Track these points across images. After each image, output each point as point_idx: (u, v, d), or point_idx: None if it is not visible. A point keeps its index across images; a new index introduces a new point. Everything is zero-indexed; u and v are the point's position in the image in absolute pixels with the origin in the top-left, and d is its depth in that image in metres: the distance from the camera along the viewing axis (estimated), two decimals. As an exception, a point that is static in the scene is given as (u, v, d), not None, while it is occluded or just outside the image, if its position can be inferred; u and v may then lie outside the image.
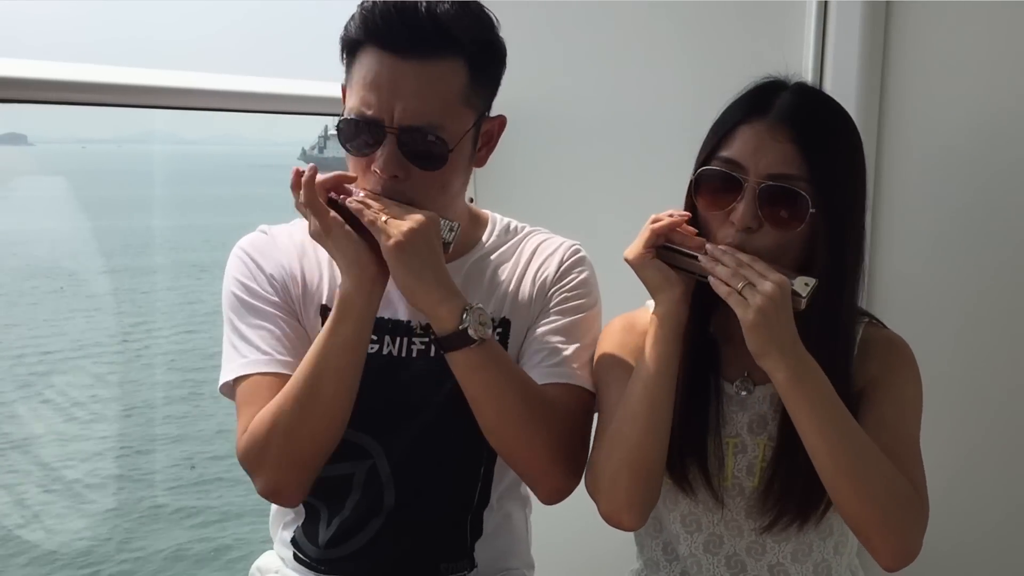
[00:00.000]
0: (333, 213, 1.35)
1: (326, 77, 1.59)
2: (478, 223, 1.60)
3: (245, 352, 1.46)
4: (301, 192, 1.35)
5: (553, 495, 1.46)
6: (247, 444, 1.40)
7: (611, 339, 1.50)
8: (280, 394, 1.38)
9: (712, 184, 1.36)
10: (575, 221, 1.70)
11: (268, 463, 1.39)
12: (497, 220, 1.62)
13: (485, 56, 1.41)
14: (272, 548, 1.64)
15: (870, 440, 1.28)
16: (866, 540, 1.31)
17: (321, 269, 1.52)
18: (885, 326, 1.48)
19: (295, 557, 1.55)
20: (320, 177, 1.36)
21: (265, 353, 1.45)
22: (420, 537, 1.50)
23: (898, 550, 1.30)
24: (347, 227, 1.34)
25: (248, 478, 1.43)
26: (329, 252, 1.38)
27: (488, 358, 1.36)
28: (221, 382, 1.48)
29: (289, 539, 1.56)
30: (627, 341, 1.48)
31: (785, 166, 1.32)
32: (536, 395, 1.41)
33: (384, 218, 1.32)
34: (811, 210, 1.31)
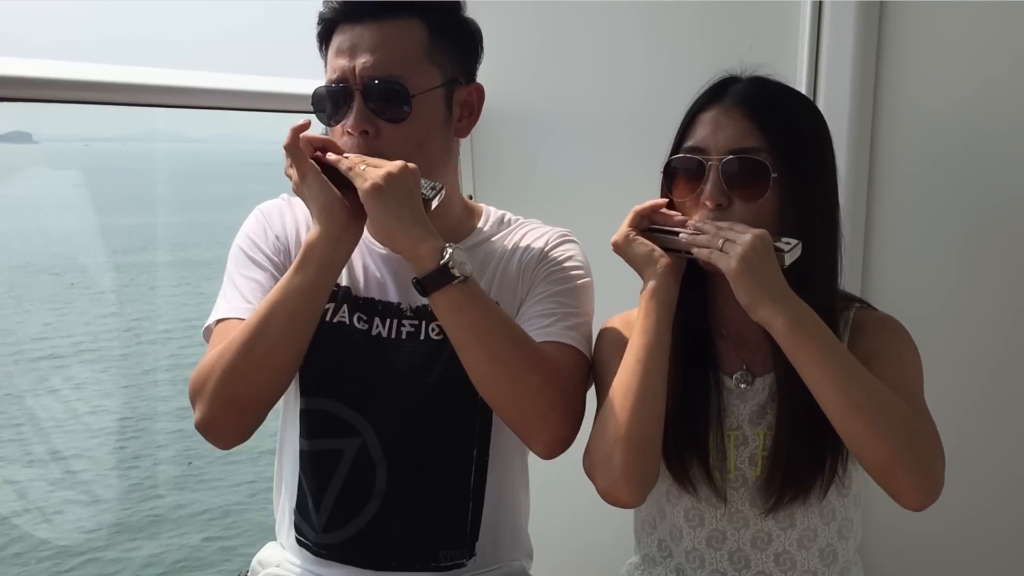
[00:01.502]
0: (311, 162, 1.37)
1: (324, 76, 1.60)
2: (472, 214, 1.62)
3: (231, 299, 1.48)
4: (286, 138, 1.38)
5: (552, 445, 1.40)
6: (194, 375, 1.40)
7: (608, 334, 1.50)
8: (234, 332, 1.39)
9: (680, 172, 1.40)
10: (572, 217, 1.70)
11: (206, 396, 1.38)
12: (491, 212, 1.63)
13: (444, 20, 1.47)
14: (274, 540, 1.64)
15: (876, 378, 1.27)
16: (890, 480, 1.27)
17: None
18: (876, 309, 1.49)
19: (297, 541, 1.55)
20: (310, 133, 1.40)
21: (248, 302, 1.46)
22: (418, 523, 1.50)
23: (924, 484, 1.27)
24: (323, 176, 1.36)
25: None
26: (303, 200, 1.39)
27: (472, 297, 1.36)
28: (204, 326, 1.49)
29: (292, 520, 1.56)
30: (625, 336, 1.48)
31: (743, 140, 1.35)
32: (526, 338, 1.40)
33: (363, 166, 1.35)
34: (773, 175, 1.33)
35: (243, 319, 1.43)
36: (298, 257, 1.37)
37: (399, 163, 1.35)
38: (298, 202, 1.56)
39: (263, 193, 1.66)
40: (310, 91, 1.49)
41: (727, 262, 1.27)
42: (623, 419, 1.33)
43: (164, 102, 1.88)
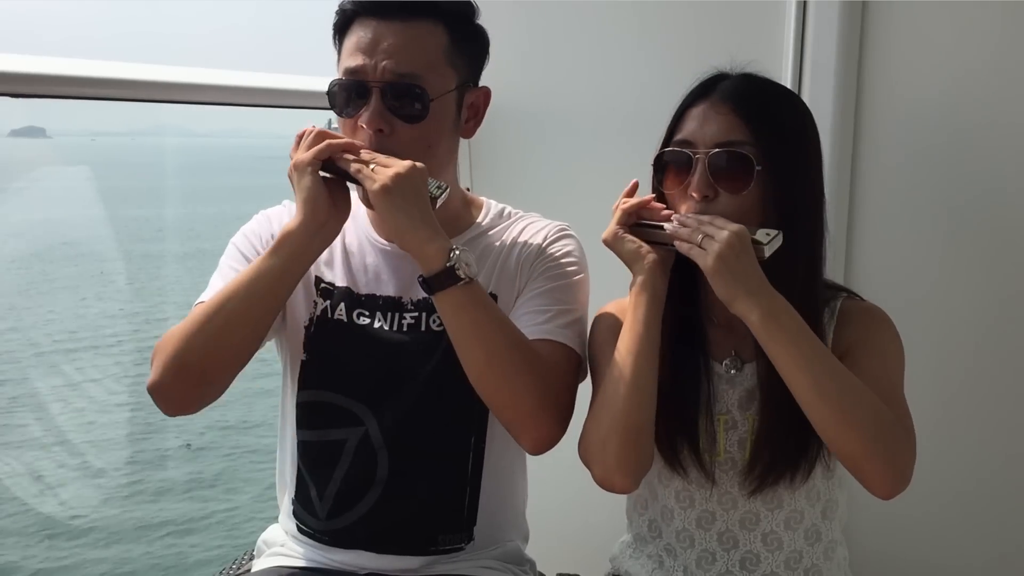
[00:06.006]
0: (316, 158, 1.34)
1: (329, 73, 1.59)
2: (472, 207, 1.60)
3: (213, 286, 1.47)
4: (310, 137, 1.37)
5: (540, 443, 1.40)
6: (158, 342, 1.40)
7: (604, 322, 1.49)
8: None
9: (669, 164, 1.39)
10: (567, 210, 1.68)
11: (161, 361, 1.37)
12: (492, 205, 1.62)
13: (464, 26, 1.46)
14: (278, 522, 1.63)
15: (849, 371, 1.27)
16: (858, 470, 1.27)
17: (331, 250, 1.52)
18: (863, 299, 1.48)
19: (299, 529, 1.54)
20: (336, 141, 1.37)
21: None
22: (418, 509, 1.49)
23: (890, 476, 1.27)
24: (318, 172, 1.34)
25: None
26: (293, 188, 1.38)
27: (475, 298, 1.34)
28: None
29: (292, 511, 1.55)
30: (619, 323, 1.47)
31: (729, 134, 1.34)
32: (523, 340, 1.39)
33: (371, 167, 1.33)
34: (757, 167, 1.32)
35: None
36: (274, 242, 1.36)
37: (407, 163, 1.32)
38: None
39: (267, 185, 1.64)
40: (313, 88, 1.47)
41: (704, 259, 1.26)
42: (616, 409, 1.33)
43: (172, 98, 1.86)
